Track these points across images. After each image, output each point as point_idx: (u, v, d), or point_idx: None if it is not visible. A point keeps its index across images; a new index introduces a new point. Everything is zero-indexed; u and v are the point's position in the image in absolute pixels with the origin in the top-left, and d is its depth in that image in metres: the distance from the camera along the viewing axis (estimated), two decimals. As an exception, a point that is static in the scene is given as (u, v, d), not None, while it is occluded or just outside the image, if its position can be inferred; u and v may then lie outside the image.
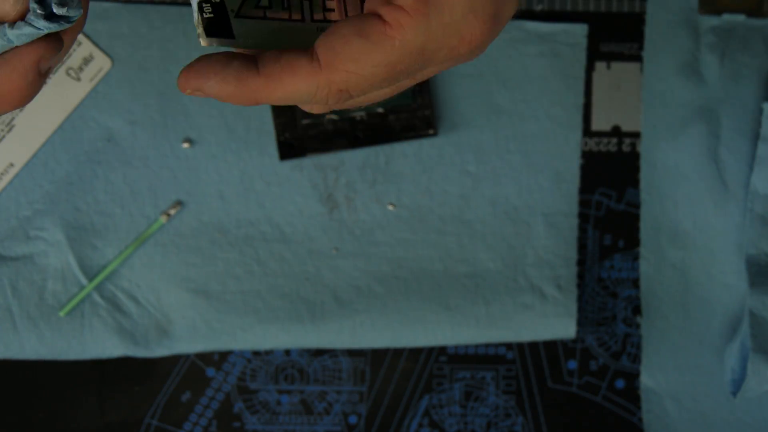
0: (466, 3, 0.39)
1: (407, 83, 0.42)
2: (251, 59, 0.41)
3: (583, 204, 0.67)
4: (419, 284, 0.65)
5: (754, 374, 0.63)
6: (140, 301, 0.65)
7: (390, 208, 0.66)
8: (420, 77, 0.42)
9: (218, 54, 0.41)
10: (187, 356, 0.66)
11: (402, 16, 0.39)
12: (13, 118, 0.64)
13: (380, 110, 0.50)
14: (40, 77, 0.35)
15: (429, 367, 0.66)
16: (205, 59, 0.41)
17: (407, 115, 0.49)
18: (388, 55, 0.40)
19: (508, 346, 0.66)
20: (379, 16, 0.40)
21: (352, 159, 0.65)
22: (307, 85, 0.41)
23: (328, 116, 0.53)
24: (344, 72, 0.40)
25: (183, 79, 0.41)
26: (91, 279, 0.65)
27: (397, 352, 0.66)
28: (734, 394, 0.65)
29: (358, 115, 0.50)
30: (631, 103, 0.67)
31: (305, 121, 0.49)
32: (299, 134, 0.50)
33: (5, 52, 0.32)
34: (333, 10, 0.43)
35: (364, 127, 0.49)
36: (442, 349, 0.66)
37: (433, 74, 0.43)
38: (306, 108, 0.43)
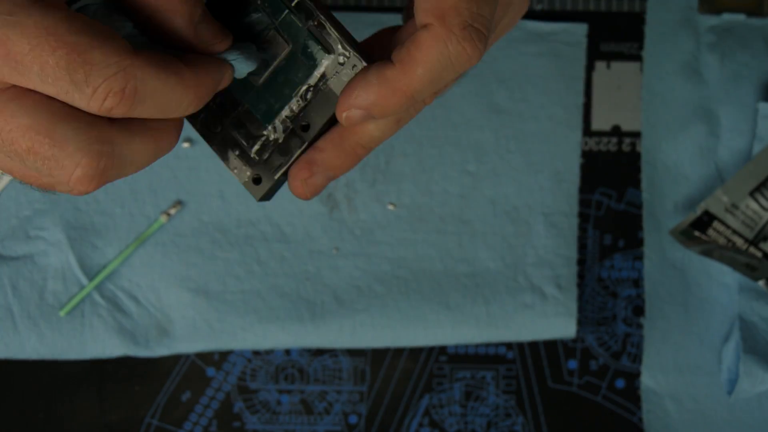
0: None
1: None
2: (386, 60, 0.43)
3: (583, 204, 0.67)
4: (419, 284, 0.65)
5: (746, 375, 0.63)
6: (140, 300, 0.65)
7: (390, 207, 0.66)
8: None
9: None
10: (187, 356, 0.66)
11: None
12: (13, 118, 0.64)
13: (302, 92, 0.47)
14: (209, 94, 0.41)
15: (429, 366, 0.66)
16: (349, 81, 0.44)
17: (332, 72, 0.46)
18: None
19: (508, 345, 0.66)
20: None
21: (352, 159, 0.65)
22: (437, 48, 0.41)
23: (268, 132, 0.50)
24: (456, 12, 0.41)
25: (338, 108, 0.44)
26: (91, 279, 0.65)
27: (397, 352, 0.66)
28: (730, 393, 0.65)
29: (294, 104, 0.47)
30: (631, 102, 0.67)
31: (254, 148, 0.47)
32: (256, 162, 0.48)
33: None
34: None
35: (305, 113, 0.46)
36: (442, 349, 0.66)
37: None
38: (457, 71, 0.43)
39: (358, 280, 0.65)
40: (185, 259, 0.65)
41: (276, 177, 0.47)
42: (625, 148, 0.67)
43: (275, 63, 0.45)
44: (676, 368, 0.66)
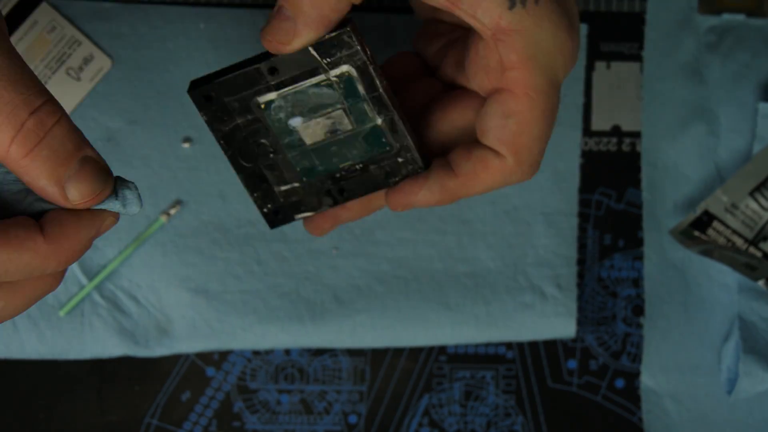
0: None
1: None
2: (446, 165, 0.47)
3: (583, 203, 0.67)
4: (419, 284, 0.66)
5: (745, 375, 0.63)
6: (140, 300, 0.65)
7: (390, 207, 0.66)
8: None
9: (416, 174, 0.47)
10: (187, 356, 0.66)
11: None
12: (13, 118, 0.64)
13: (359, 166, 0.48)
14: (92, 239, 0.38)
15: (429, 366, 0.66)
16: (408, 181, 0.47)
17: (389, 162, 0.47)
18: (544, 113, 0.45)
19: (508, 345, 0.66)
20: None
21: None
22: (501, 176, 0.45)
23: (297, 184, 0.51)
24: (530, 151, 0.45)
25: (393, 200, 0.47)
26: (91, 278, 0.65)
27: (397, 352, 0.66)
28: (730, 393, 0.65)
29: (338, 173, 0.48)
30: (631, 102, 0.67)
31: (282, 188, 0.48)
32: (280, 202, 0.49)
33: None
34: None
35: (346, 182, 0.47)
36: (442, 349, 0.66)
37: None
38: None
39: (358, 280, 0.65)
40: (185, 259, 0.65)
41: (296, 218, 0.48)
42: (625, 148, 0.67)
43: (334, 137, 0.46)
44: (676, 368, 0.66)
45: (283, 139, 0.47)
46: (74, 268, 0.65)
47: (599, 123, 0.67)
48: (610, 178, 0.67)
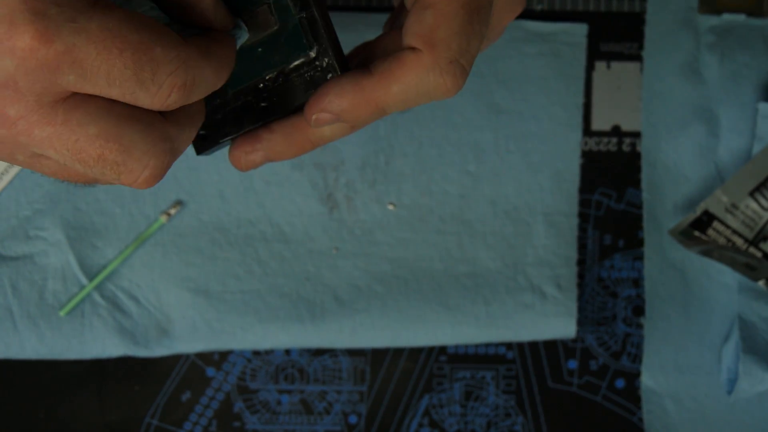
0: None
1: (486, 31, 0.44)
2: (365, 69, 0.43)
3: (583, 204, 0.67)
4: (419, 284, 0.65)
5: (745, 375, 0.63)
6: (140, 300, 0.65)
7: (390, 207, 0.66)
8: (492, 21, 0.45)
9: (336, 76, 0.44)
10: (187, 356, 0.66)
11: None
12: (13, 118, 0.64)
13: (272, 75, 0.46)
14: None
15: (429, 366, 0.66)
16: (323, 84, 0.44)
17: (309, 70, 0.46)
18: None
19: (508, 345, 0.66)
20: None
21: (352, 158, 0.65)
22: (419, 74, 0.42)
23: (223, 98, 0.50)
24: (446, 45, 0.42)
25: (307, 109, 0.44)
26: (91, 279, 0.65)
27: (397, 352, 0.66)
28: (730, 393, 0.65)
29: (261, 82, 0.47)
30: (631, 102, 0.67)
31: (210, 107, 0.47)
32: (208, 122, 0.48)
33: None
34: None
35: (269, 94, 0.46)
36: (442, 349, 0.66)
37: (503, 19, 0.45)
38: (431, 99, 0.44)
39: (358, 280, 0.65)
40: (185, 259, 0.65)
41: (220, 141, 0.47)
42: (625, 148, 0.67)
43: (258, 36, 0.45)
44: (676, 368, 0.66)
45: None
46: (74, 268, 0.65)
47: (599, 123, 0.67)
48: (610, 178, 0.67)
